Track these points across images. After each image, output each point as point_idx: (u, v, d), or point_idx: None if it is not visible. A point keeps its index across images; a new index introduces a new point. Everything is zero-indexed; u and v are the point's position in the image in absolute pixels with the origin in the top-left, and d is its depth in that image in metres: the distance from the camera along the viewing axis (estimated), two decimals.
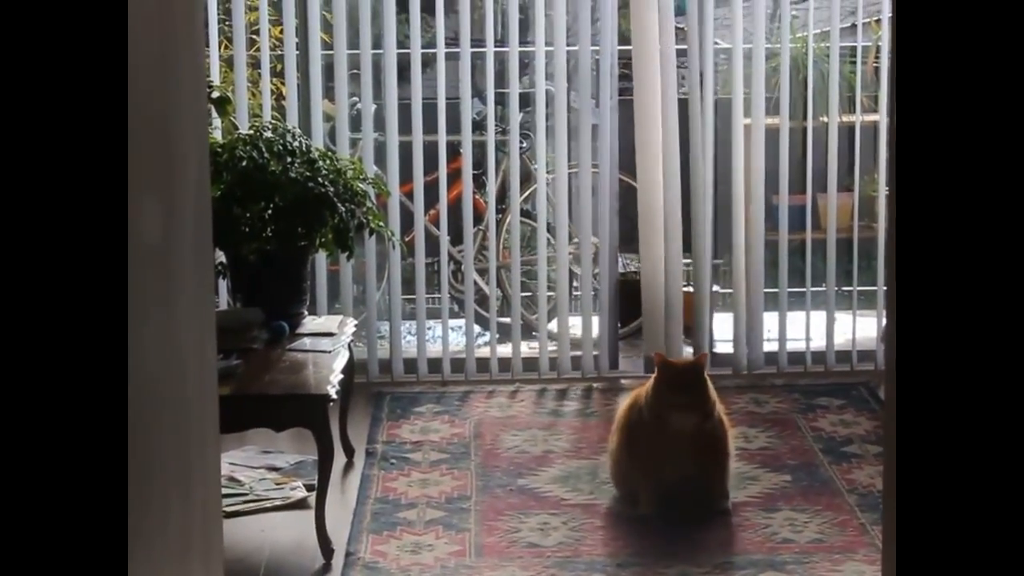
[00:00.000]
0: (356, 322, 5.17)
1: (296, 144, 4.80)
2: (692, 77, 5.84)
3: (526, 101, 6.17)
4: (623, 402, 4.70)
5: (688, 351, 5.96)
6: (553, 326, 6.03)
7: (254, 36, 5.99)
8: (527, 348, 6.01)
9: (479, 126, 6.22)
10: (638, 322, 6.20)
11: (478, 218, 6.23)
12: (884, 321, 5.63)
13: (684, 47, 5.89)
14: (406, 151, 5.84)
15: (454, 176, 6.14)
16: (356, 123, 6.01)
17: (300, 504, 4.60)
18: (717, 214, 5.96)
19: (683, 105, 5.88)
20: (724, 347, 6.02)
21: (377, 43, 5.85)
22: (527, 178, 6.26)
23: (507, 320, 6.16)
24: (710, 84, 5.81)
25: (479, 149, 6.22)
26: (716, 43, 5.92)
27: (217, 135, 5.09)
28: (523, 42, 5.93)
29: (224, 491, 4.41)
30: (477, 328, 6.19)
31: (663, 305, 5.91)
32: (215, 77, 5.70)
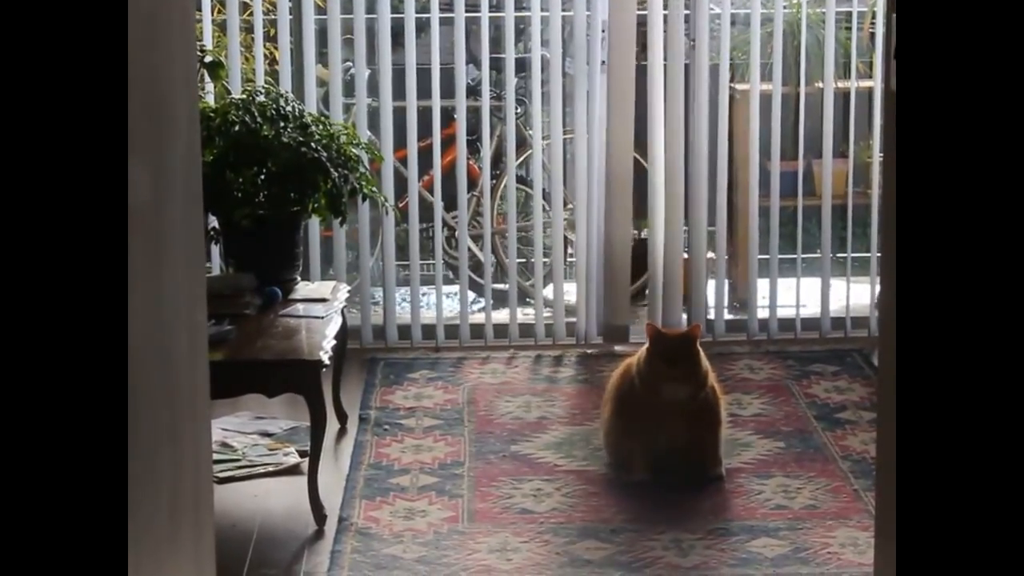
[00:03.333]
0: (349, 288, 5.16)
1: (289, 109, 4.78)
2: (676, 42, 5.81)
3: (521, 67, 6.14)
4: (615, 371, 4.69)
5: (684, 318, 5.96)
6: (548, 292, 6.02)
7: (247, 0, 5.96)
8: (522, 314, 6.00)
9: (473, 92, 6.20)
10: (635, 286, 6.18)
11: (472, 184, 6.22)
12: (878, 288, 5.62)
13: (686, 12, 5.86)
14: (400, 116, 5.82)
15: (448, 142, 6.12)
16: (350, 88, 5.99)
17: (293, 470, 4.60)
18: (712, 181, 5.93)
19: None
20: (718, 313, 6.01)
21: (371, 8, 5.82)
22: (522, 144, 6.24)
23: (502, 286, 6.16)
24: (704, 50, 5.78)
25: (473, 115, 6.20)
26: (710, 8, 5.88)
27: (210, 100, 5.06)
28: (518, 7, 5.90)
29: (216, 457, 4.42)
30: (471, 294, 6.19)
31: (662, 273, 5.91)
32: (208, 41, 5.67)
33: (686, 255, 6.01)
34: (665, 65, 5.78)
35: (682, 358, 4.43)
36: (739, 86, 6.07)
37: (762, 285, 6.04)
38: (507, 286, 6.04)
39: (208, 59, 4.77)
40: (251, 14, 5.85)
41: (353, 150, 4.84)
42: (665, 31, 5.80)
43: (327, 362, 4.26)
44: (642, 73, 5.82)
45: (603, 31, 5.79)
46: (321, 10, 5.86)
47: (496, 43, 6.01)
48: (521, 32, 6.15)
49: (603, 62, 5.81)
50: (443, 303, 5.98)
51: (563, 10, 5.86)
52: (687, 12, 5.80)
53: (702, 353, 4.49)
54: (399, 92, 5.81)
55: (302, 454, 4.60)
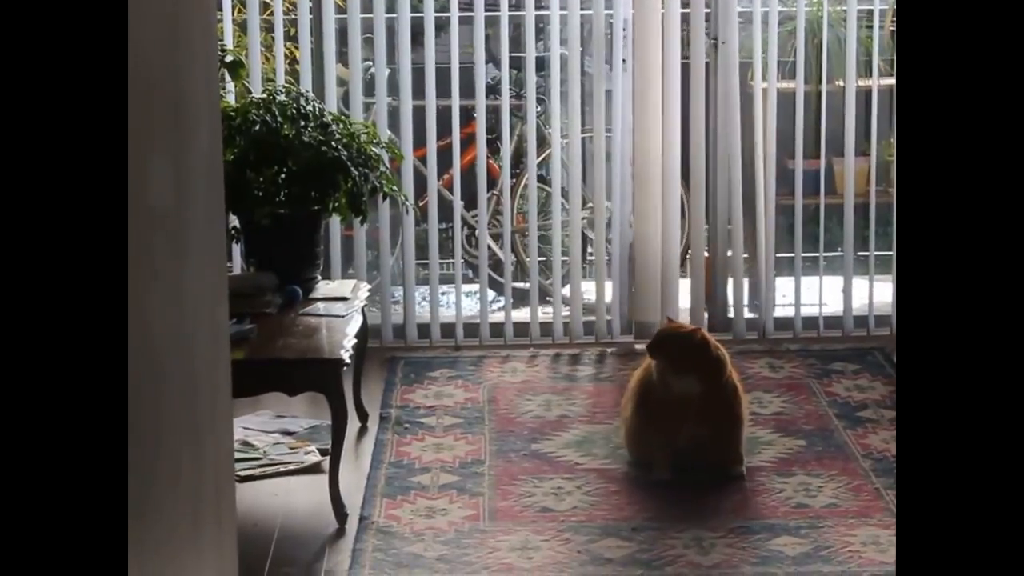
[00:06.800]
0: (370, 287, 5.16)
1: (309, 108, 4.79)
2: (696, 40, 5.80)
3: (540, 66, 6.13)
4: (636, 369, 4.69)
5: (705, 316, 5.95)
6: (567, 291, 6.01)
7: (268, 0, 5.97)
8: (541, 313, 6.00)
9: (493, 91, 6.19)
10: None
11: (492, 183, 6.22)
12: None
13: (708, 11, 5.86)
14: (420, 115, 5.82)
15: (468, 141, 6.12)
16: (370, 87, 5.99)
17: (314, 468, 4.61)
18: (729, 179, 5.91)
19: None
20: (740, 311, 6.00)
21: (391, 7, 5.83)
22: (541, 143, 6.24)
23: (521, 285, 6.15)
24: (733, 48, 5.76)
25: (493, 114, 6.20)
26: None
27: (230, 99, 5.07)
28: (538, 6, 5.90)
29: (238, 456, 4.42)
30: (491, 293, 6.18)
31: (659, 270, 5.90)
32: (228, 41, 5.68)
33: (707, 253, 6.01)
34: (687, 63, 5.78)
35: (685, 352, 4.42)
36: (759, 84, 6.06)
37: (784, 283, 6.03)
38: (527, 285, 6.03)
39: (229, 59, 4.77)
40: (271, 14, 5.85)
41: (373, 149, 4.85)
42: (686, 30, 5.81)
43: (348, 361, 4.27)
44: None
45: (624, 30, 5.79)
46: (341, 9, 5.86)
47: (515, 42, 6.01)
48: (540, 31, 6.15)
49: (624, 60, 5.80)
50: (463, 302, 5.98)
51: (582, 8, 5.85)
52: (708, 11, 5.79)
53: (713, 348, 4.47)
54: (419, 91, 5.81)
55: (323, 453, 4.61)
